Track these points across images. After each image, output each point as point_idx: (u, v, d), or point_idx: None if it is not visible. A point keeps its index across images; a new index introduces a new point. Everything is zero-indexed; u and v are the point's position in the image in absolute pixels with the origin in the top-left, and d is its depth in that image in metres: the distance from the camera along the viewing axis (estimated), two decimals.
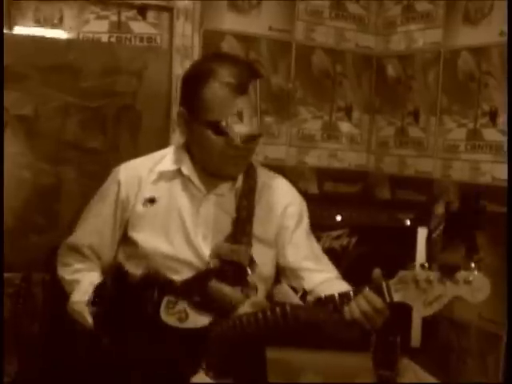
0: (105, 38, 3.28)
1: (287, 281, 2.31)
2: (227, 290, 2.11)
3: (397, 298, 1.99)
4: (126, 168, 2.34)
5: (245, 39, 3.57)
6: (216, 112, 2.12)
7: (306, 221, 2.41)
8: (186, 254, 2.21)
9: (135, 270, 2.20)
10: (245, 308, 2.10)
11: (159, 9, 3.39)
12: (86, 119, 3.15)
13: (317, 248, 2.43)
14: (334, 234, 3.19)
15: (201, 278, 2.14)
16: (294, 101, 3.75)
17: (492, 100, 3.23)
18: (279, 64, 3.70)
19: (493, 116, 3.22)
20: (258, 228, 2.24)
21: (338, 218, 3.24)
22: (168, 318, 2.08)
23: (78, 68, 3.13)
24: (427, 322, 3.14)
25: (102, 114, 3.18)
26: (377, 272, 2.02)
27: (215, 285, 2.11)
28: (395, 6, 3.84)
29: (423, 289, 1.95)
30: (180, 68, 3.30)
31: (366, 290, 2.01)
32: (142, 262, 2.21)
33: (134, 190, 2.27)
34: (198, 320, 2.08)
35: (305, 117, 3.81)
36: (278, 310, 2.07)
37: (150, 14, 3.38)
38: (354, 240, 3.21)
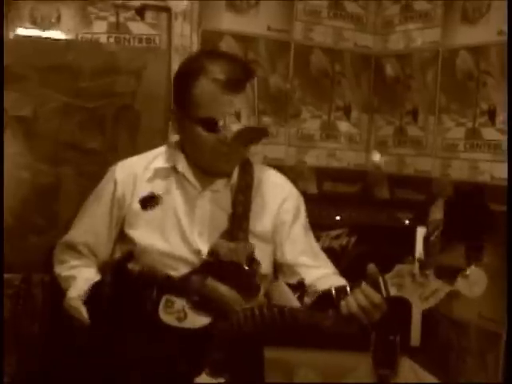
0: (103, 39, 3.28)
1: (284, 277, 2.31)
2: (223, 289, 2.11)
3: (393, 292, 1.99)
4: (121, 166, 2.35)
5: (243, 39, 3.57)
6: (206, 108, 2.13)
7: (303, 216, 2.41)
8: (182, 250, 2.21)
9: (132, 267, 2.20)
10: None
11: (157, 9, 3.38)
12: (84, 120, 3.15)
13: (314, 244, 2.43)
14: (334, 233, 3.19)
15: (197, 275, 2.14)
16: (292, 101, 3.75)
17: (490, 99, 3.24)
18: (278, 64, 3.70)
19: (491, 115, 3.22)
20: (254, 224, 2.25)
21: (337, 217, 3.25)
22: (167, 317, 2.08)
23: (76, 68, 3.13)
24: (427, 321, 3.15)
25: (100, 114, 3.17)
26: (372, 267, 2.02)
27: (211, 283, 2.11)
28: (393, 5, 3.84)
29: (420, 283, 1.95)
30: None
31: (363, 284, 2.01)
32: (138, 259, 2.21)
33: (130, 188, 2.28)
34: (197, 320, 2.08)
35: (304, 116, 3.81)
36: (275, 309, 2.08)
37: (149, 15, 3.38)
38: (353, 239, 3.21)
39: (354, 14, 3.89)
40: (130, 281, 2.13)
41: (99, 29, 3.27)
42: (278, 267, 2.34)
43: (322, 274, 2.29)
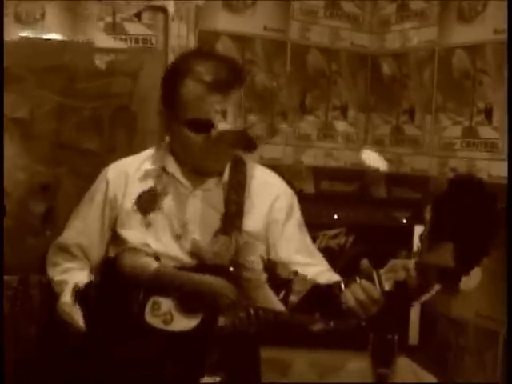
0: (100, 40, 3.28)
1: (279, 276, 2.30)
2: (212, 279, 2.10)
3: (388, 286, 1.99)
4: (113, 168, 2.35)
5: (240, 39, 3.58)
6: (193, 110, 2.13)
7: (297, 214, 2.40)
8: (175, 250, 2.21)
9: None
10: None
11: (154, 10, 3.38)
12: (81, 121, 3.15)
13: (309, 242, 2.42)
14: (331, 233, 3.19)
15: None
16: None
17: (487, 98, 3.24)
18: (274, 64, 3.71)
19: (488, 113, 3.23)
20: (246, 222, 2.24)
21: (335, 216, 3.25)
22: (153, 319, 2.07)
23: (73, 69, 3.13)
24: (425, 320, 3.15)
25: (97, 115, 3.17)
26: (365, 262, 2.02)
27: (199, 276, 2.10)
28: (390, 4, 3.84)
29: (413, 277, 1.95)
30: None
31: (358, 279, 2.01)
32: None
33: (122, 188, 2.28)
34: (184, 322, 2.07)
35: None
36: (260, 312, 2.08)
37: (145, 15, 3.38)
38: (350, 239, 3.21)
39: (351, 14, 3.89)
40: (117, 282, 2.13)
41: (96, 29, 3.27)
42: (273, 266, 2.33)
43: (317, 272, 2.28)
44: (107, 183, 2.31)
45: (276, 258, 2.33)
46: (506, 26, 3.08)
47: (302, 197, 2.48)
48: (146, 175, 2.28)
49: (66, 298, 2.22)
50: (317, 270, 2.31)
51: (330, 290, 2.06)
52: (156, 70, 3.29)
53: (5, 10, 3.06)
